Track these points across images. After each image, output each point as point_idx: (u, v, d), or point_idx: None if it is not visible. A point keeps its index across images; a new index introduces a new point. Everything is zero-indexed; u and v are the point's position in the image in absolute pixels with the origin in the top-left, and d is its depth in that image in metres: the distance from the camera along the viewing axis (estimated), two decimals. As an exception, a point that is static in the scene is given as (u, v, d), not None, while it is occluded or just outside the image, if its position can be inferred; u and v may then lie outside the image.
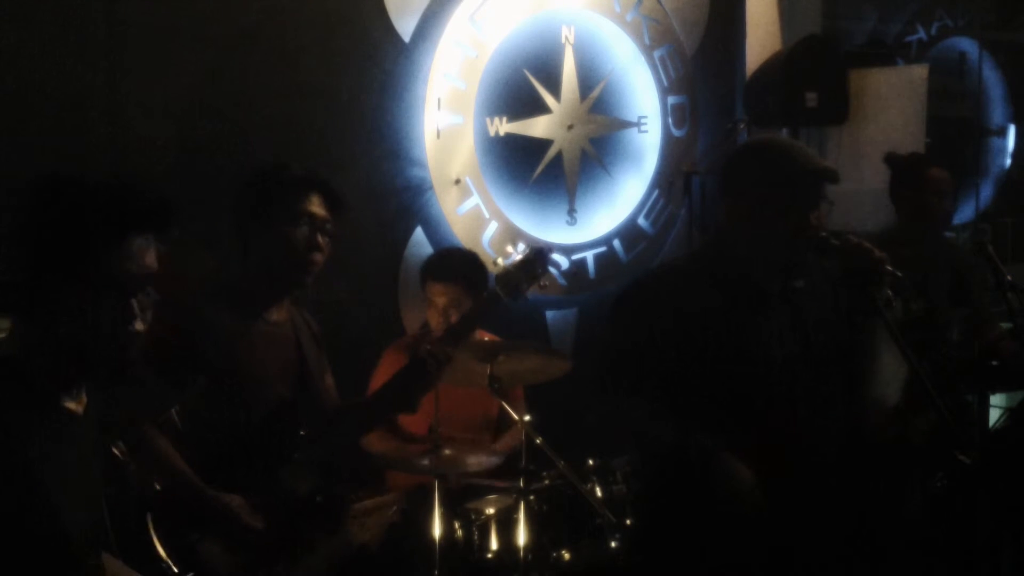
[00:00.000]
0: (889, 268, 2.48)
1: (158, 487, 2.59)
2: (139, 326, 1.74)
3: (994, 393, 4.62)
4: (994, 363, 4.05)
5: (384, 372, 3.73)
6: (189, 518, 2.55)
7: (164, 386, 2.65)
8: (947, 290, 4.05)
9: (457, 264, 3.86)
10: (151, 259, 1.75)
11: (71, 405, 1.72)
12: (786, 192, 2.48)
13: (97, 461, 1.80)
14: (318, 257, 2.74)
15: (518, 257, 2.91)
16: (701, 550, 2.46)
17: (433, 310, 3.75)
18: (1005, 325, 4.14)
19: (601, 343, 2.68)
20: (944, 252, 4.20)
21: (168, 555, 2.46)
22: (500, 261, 2.92)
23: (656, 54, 4.91)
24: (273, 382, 2.73)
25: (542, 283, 2.95)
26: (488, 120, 4.40)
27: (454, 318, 3.67)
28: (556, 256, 4.58)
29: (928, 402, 2.38)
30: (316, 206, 2.73)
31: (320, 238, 2.73)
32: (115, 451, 2.62)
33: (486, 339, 3.76)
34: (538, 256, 2.91)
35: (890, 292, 2.42)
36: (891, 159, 4.20)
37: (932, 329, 3.84)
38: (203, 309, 2.72)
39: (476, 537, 3.44)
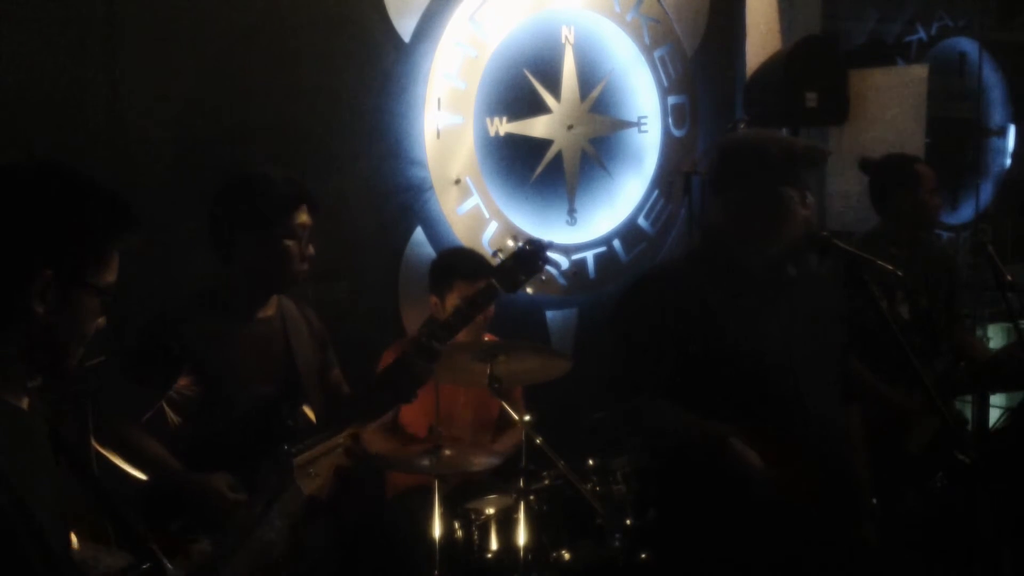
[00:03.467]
0: (890, 267, 2.50)
1: (144, 479, 2.61)
2: (93, 328, 1.73)
3: (994, 393, 4.61)
4: (961, 363, 4.03)
5: (383, 372, 3.73)
6: (174, 506, 2.57)
7: (144, 388, 2.68)
8: (945, 290, 4.04)
9: (481, 261, 3.82)
10: (115, 266, 1.74)
11: (11, 400, 1.70)
12: (777, 175, 2.51)
13: (48, 457, 1.77)
14: (307, 267, 2.78)
15: (516, 250, 2.90)
16: (716, 542, 2.47)
17: None
18: (1005, 325, 4.12)
19: (609, 347, 2.68)
20: (937, 252, 4.18)
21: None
22: (500, 254, 2.91)
23: (656, 54, 4.91)
24: (257, 378, 2.75)
25: (543, 277, 2.93)
26: (488, 120, 4.40)
27: (482, 315, 3.66)
28: (556, 256, 4.57)
29: (929, 402, 2.39)
30: (304, 217, 2.76)
31: (309, 248, 2.76)
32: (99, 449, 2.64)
33: (486, 339, 3.75)
34: (537, 249, 2.89)
35: (899, 292, 2.45)
36: (867, 164, 4.11)
37: (924, 335, 3.82)
38: (184, 310, 2.75)
39: (476, 537, 3.44)
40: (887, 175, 4.02)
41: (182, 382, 2.71)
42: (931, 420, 3.46)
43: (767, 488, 2.42)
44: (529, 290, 2.96)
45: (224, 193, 2.79)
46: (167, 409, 2.76)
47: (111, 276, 1.72)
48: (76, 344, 1.72)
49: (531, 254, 2.88)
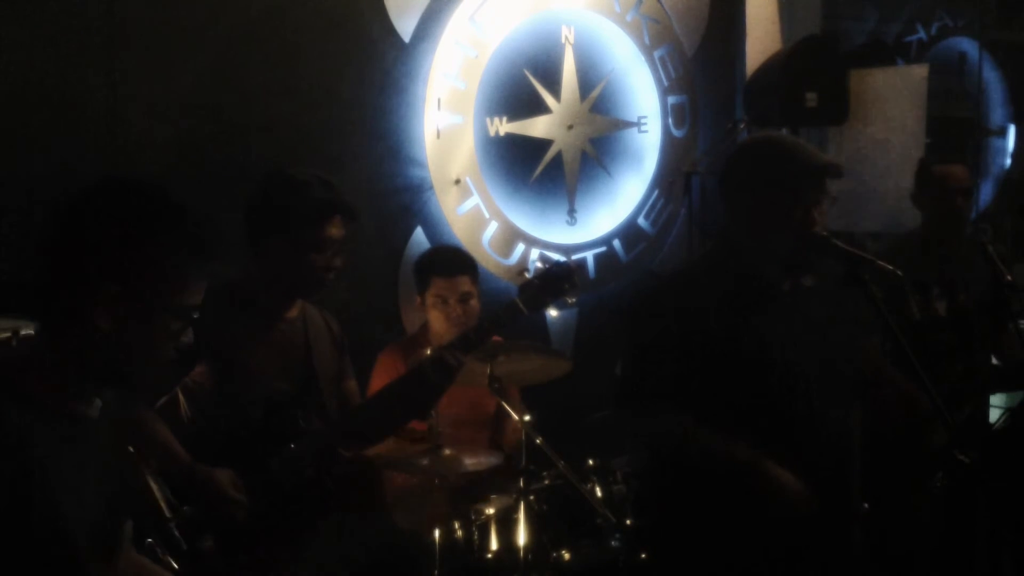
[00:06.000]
0: (889, 267, 2.49)
1: (152, 464, 2.59)
2: (171, 350, 1.75)
3: (994, 393, 4.58)
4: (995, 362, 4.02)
5: (381, 374, 3.73)
6: (177, 495, 2.55)
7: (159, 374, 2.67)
8: (984, 292, 3.89)
9: (459, 257, 3.86)
10: (199, 289, 1.75)
11: (82, 409, 1.71)
12: (789, 189, 2.48)
13: (110, 464, 1.78)
14: (332, 276, 2.78)
15: (544, 271, 2.89)
16: (713, 545, 2.46)
17: (438, 309, 3.71)
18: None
19: (622, 358, 2.65)
20: (974, 253, 4.01)
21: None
22: (527, 273, 2.91)
23: (656, 54, 4.91)
24: (273, 374, 2.74)
25: (568, 301, 2.93)
26: (488, 120, 4.40)
27: (460, 311, 3.67)
28: (555, 255, 4.56)
29: (929, 401, 2.38)
30: (336, 229, 2.74)
31: (337, 260, 2.75)
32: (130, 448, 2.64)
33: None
34: (566, 273, 2.89)
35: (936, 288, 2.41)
36: (920, 164, 4.21)
37: (961, 332, 3.79)
38: (204, 301, 2.73)
39: (476, 537, 3.44)
40: (921, 176, 4.10)
41: (197, 370, 2.70)
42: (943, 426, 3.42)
43: (806, 508, 2.37)
44: (553, 313, 2.96)
45: (259, 193, 2.78)
46: (181, 398, 2.75)
47: (191, 298, 1.72)
48: (146, 361, 1.71)
49: (558, 277, 2.88)
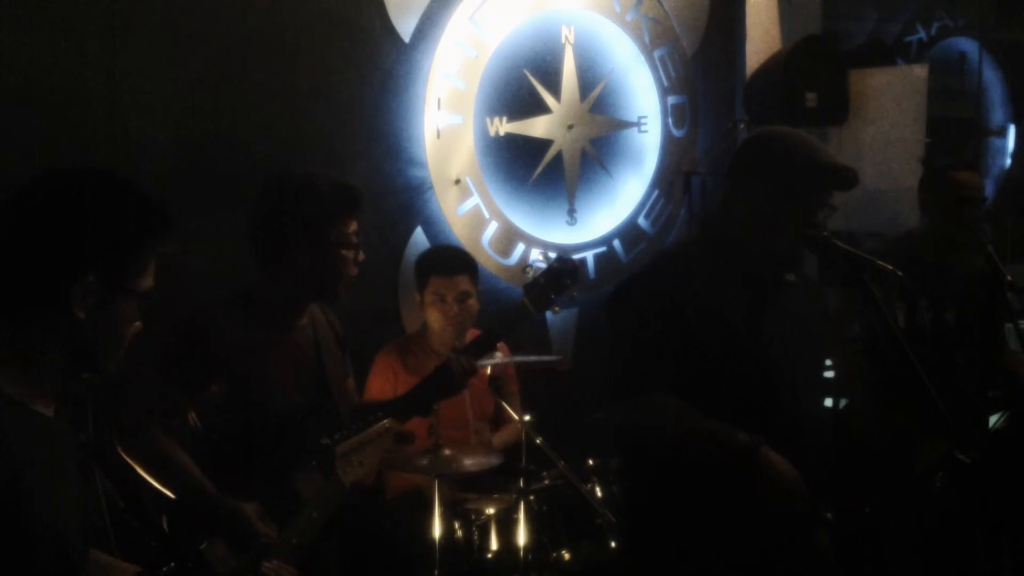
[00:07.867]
0: (889, 267, 2.48)
1: (170, 494, 2.51)
2: (131, 332, 1.74)
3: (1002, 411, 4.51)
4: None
5: (378, 373, 3.73)
6: (200, 524, 2.48)
7: (175, 392, 2.59)
8: (982, 304, 3.80)
9: (458, 256, 3.87)
10: (152, 270, 1.75)
11: (39, 408, 1.69)
12: (797, 188, 2.45)
13: (73, 465, 1.76)
14: (355, 271, 2.71)
15: (548, 268, 2.88)
16: (684, 543, 2.44)
17: (436, 308, 3.72)
18: (1005, 325, 4.08)
19: (608, 343, 2.63)
20: (975, 263, 3.84)
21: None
22: (530, 271, 2.91)
23: (656, 54, 4.91)
24: (291, 390, 2.67)
25: (574, 295, 2.93)
26: (488, 120, 4.40)
27: (456, 309, 3.68)
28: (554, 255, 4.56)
29: (937, 416, 2.36)
30: (353, 225, 2.68)
31: (358, 255, 2.70)
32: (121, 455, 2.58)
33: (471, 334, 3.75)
34: (570, 269, 2.89)
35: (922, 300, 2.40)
36: (929, 166, 3.97)
37: (942, 351, 3.72)
38: (218, 315, 2.64)
39: (476, 537, 3.44)
40: (930, 179, 3.89)
41: (213, 388, 2.60)
42: (938, 441, 3.35)
43: (801, 498, 2.32)
44: (556, 309, 2.96)
45: (277, 197, 2.68)
46: (191, 413, 2.69)
47: (149, 281, 1.74)
48: (114, 347, 1.74)
49: (562, 273, 2.88)
